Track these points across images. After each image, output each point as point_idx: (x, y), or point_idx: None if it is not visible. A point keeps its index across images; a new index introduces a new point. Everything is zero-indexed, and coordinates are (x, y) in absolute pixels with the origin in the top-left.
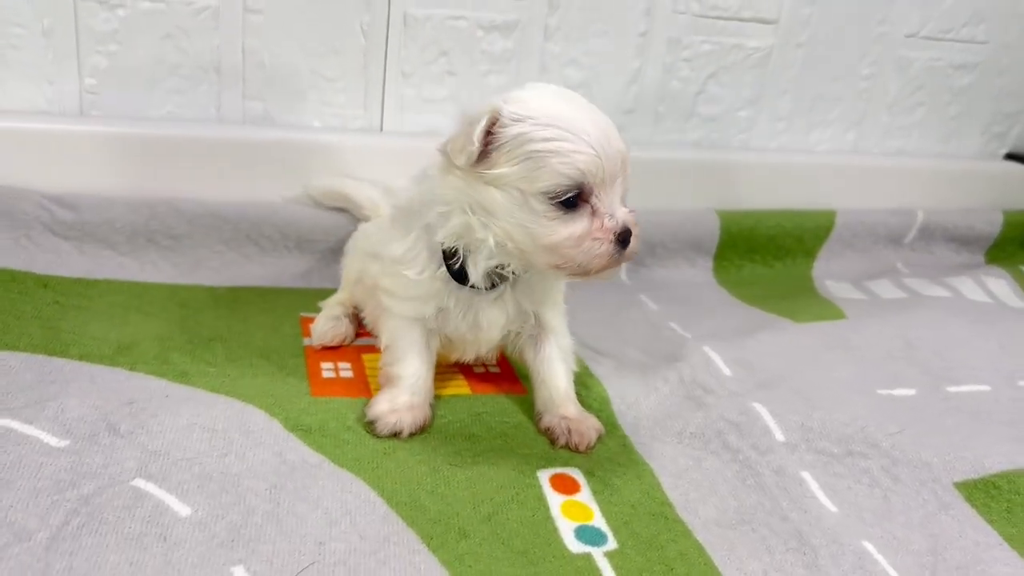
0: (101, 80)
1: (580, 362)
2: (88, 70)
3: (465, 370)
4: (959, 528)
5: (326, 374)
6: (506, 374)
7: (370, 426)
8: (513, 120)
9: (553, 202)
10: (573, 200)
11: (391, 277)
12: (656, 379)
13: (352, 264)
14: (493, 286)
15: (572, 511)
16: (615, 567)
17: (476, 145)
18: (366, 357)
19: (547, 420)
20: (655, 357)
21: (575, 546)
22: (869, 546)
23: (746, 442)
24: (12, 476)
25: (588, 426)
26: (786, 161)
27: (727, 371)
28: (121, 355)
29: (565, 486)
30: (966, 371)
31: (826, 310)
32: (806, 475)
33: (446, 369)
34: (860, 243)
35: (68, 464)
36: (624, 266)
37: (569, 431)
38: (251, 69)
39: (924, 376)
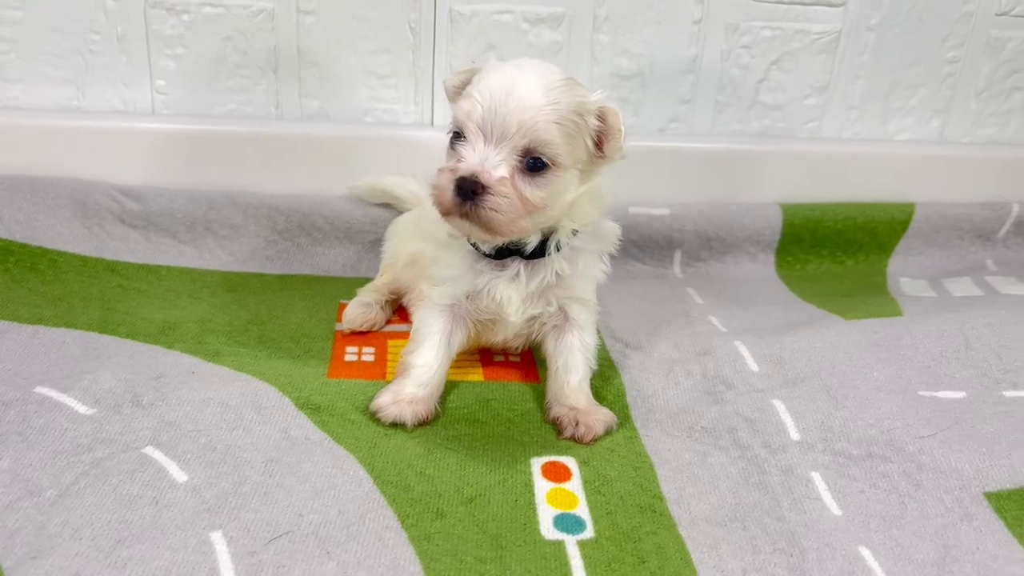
0: (170, 81)
1: (604, 354)
2: (158, 72)
3: (485, 358)
4: (978, 540)
5: (348, 357)
6: (525, 363)
7: (373, 416)
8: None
9: (449, 136)
10: (456, 140)
11: (435, 263)
12: (680, 373)
13: (396, 248)
14: (500, 255)
15: (557, 499)
16: (584, 556)
17: (452, 83)
18: (391, 343)
19: (556, 411)
20: (684, 351)
21: (550, 533)
22: (865, 552)
23: (758, 439)
24: (38, 438)
25: (596, 418)
26: (860, 151)
27: (754, 367)
28: (163, 334)
29: (556, 474)
30: None
31: (882, 307)
32: (816, 476)
33: (467, 357)
34: (942, 238)
35: (90, 430)
36: (678, 259)
37: (576, 422)
38: (306, 68)
39: (978, 379)
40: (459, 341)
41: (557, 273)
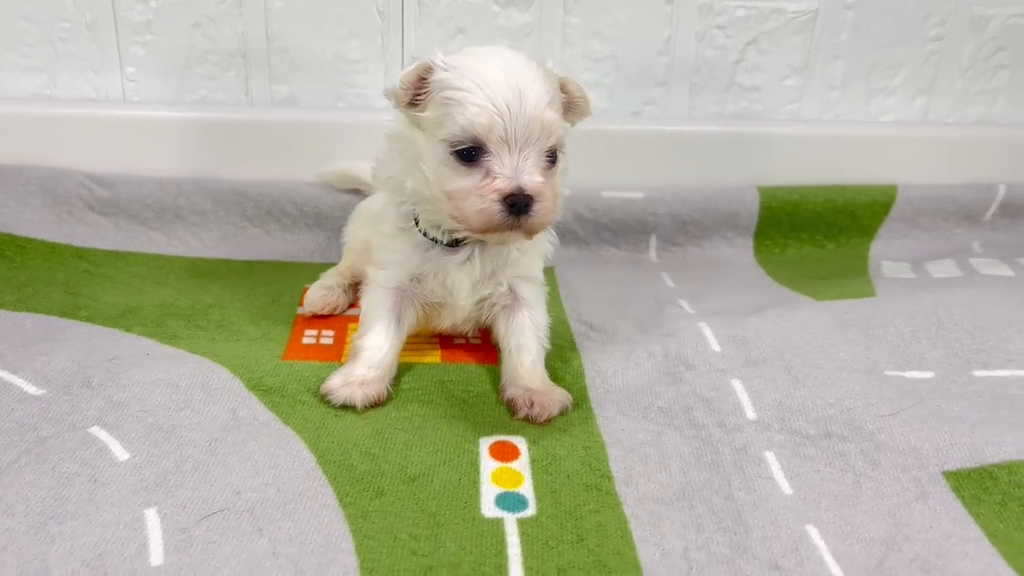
0: (139, 68)
1: (567, 336)
2: (128, 59)
3: (444, 341)
4: (931, 519)
5: (306, 340)
6: (485, 345)
7: (324, 398)
8: (441, 68)
9: (452, 151)
10: (471, 153)
11: (378, 249)
12: (640, 354)
13: (354, 233)
14: (456, 244)
15: (503, 478)
16: (522, 533)
17: (401, 86)
18: (352, 326)
19: (510, 392)
20: (649, 333)
21: (490, 511)
22: (812, 530)
23: (713, 419)
24: None
25: (551, 399)
26: (841, 133)
27: (716, 347)
28: (123, 318)
29: (504, 453)
30: (1001, 355)
31: (855, 288)
32: (769, 455)
33: (425, 340)
34: (927, 221)
35: (37, 410)
36: (653, 244)
37: (531, 403)
38: (276, 54)
39: (949, 359)
40: (409, 323)
41: (517, 250)
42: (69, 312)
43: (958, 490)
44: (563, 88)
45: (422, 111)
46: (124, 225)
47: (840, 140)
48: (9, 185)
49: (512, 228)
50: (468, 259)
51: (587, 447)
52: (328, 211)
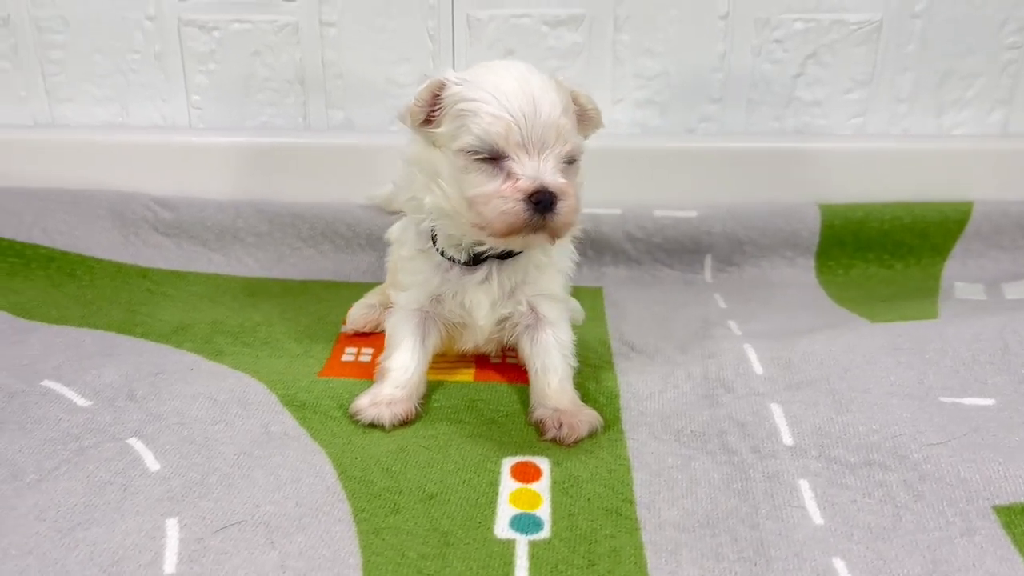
0: (204, 96)
1: (605, 356)
2: (193, 87)
3: (479, 360)
4: (976, 556)
5: (345, 358)
6: (518, 365)
7: (352, 418)
8: (454, 84)
9: (473, 160)
10: (491, 160)
11: (400, 271)
12: (680, 376)
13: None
14: (475, 263)
15: (521, 499)
16: (532, 555)
17: (416, 104)
18: None
19: (539, 413)
20: (690, 355)
21: (504, 532)
22: (839, 563)
23: (747, 444)
24: (34, 427)
25: (580, 420)
26: (910, 148)
27: (759, 370)
28: (175, 335)
29: (526, 474)
30: None
31: (916, 310)
32: (803, 483)
33: (460, 359)
34: (1005, 239)
35: (82, 420)
36: (708, 264)
37: (560, 424)
38: (331, 80)
39: (1014, 385)
40: (433, 343)
41: (536, 267)
42: (126, 328)
43: (1009, 526)
44: (575, 100)
45: (437, 127)
46: (186, 246)
47: (909, 155)
48: (82, 209)
49: (537, 229)
50: (486, 278)
51: (612, 470)
52: (379, 232)
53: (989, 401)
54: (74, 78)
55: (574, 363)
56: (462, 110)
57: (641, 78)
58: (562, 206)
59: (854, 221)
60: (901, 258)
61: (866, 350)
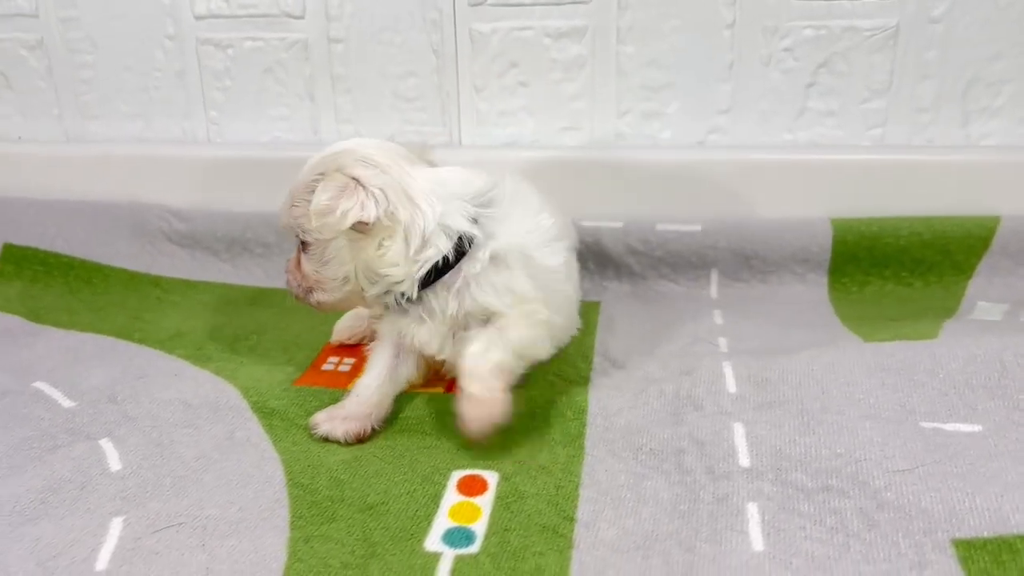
0: (220, 112)
1: (584, 372)
2: (210, 103)
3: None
4: None
5: (326, 367)
6: None
7: (310, 431)
8: None
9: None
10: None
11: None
12: (652, 392)
13: None
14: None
15: (460, 513)
16: (455, 570)
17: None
18: None
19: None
20: (669, 371)
21: (433, 545)
22: None
23: (702, 464)
24: (14, 424)
25: (482, 411)
26: (932, 159)
27: (732, 388)
28: (170, 341)
29: (471, 488)
30: None
31: (916, 330)
32: (752, 507)
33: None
34: None
35: (62, 421)
36: (714, 279)
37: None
38: (340, 95)
39: (1007, 411)
40: (406, 371)
41: (474, 288)
42: (126, 334)
43: (966, 561)
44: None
45: None
46: (199, 256)
47: (932, 167)
48: (101, 219)
49: (303, 301)
50: (420, 318)
51: (560, 486)
52: None
53: (975, 427)
54: (103, 96)
55: (511, 357)
56: None
57: (647, 89)
58: (308, 291)
59: (867, 236)
60: (921, 275)
61: (848, 370)
